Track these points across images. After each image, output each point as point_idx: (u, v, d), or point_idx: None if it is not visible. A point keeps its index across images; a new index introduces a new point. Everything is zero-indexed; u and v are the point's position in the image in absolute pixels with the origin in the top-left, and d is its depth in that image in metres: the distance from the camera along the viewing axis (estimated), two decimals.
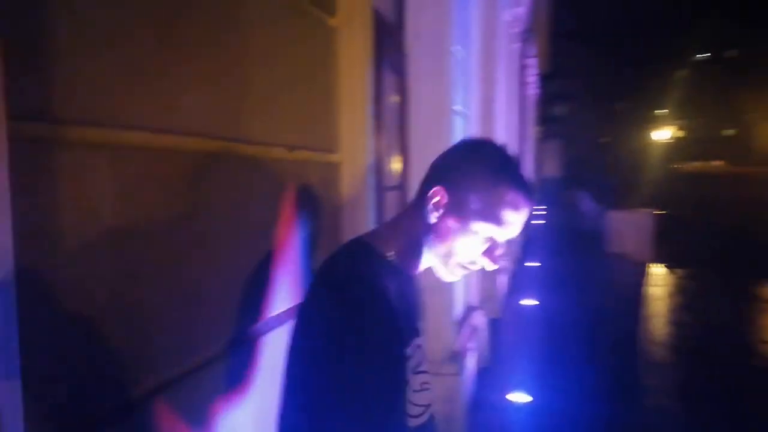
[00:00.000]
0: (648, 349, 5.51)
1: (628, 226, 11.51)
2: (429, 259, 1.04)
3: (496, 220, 0.98)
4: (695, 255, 11.81)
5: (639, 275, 9.35)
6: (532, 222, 16.54)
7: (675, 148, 38.10)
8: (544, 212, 20.72)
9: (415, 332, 1.03)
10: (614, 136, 48.80)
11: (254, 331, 1.24)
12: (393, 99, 3.07)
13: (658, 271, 9.85)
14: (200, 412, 1.07)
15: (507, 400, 4.10)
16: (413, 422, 0.96)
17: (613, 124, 48.71)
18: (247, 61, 1.21)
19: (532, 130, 22.08)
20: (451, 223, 0.99)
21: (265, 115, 1.29)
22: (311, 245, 1.47)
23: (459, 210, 0.99)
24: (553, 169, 35.62)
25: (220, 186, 1.12)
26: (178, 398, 1.00)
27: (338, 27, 1.67)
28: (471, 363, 4.04)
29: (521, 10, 9.88)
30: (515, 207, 0.99)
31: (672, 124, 40.60)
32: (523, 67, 13.10)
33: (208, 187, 1.08)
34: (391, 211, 2.86)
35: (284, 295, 1.36)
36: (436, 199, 1.00)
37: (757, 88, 33.71)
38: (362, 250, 1.00)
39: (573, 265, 10.35)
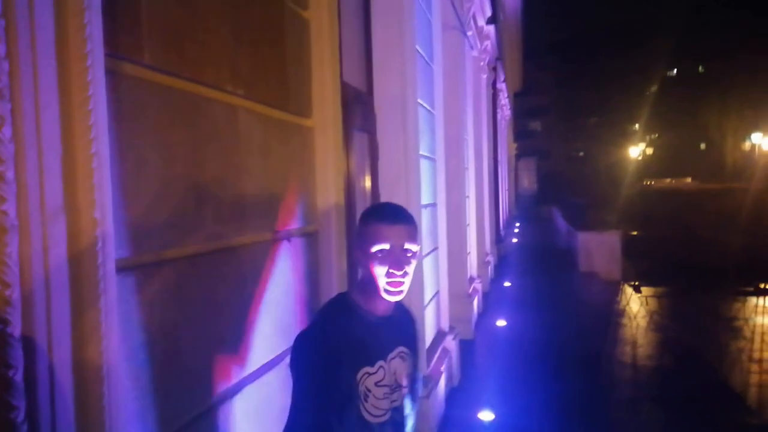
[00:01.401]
0: (614, 367, 5.97)
1: (598, 246, 12.05)
2: (374, 292, 1.49)
3: (371, 241, 1.44)
4: (662, 274, 12.40)
5: (609, 294, 9.87)
6: (509, 241, 17.12)
7: (646, 164, 39.12)
8: (518, 230, 21.30)
9: (380, 355, 1.45)
10: (586, 151, 50.03)
11: None
12: (366, 155, 3.52)
13: (627, 290, 10.39)
14: None
15: (477, 418, 4.51)
16: (376, 420, 1.41)
17: (585, 139, 49.96)
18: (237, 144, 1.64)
19: (508, 150, 22.79)
20: (361, 253, 1.48)
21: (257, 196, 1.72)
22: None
23: (359, 243, 1.49)
24: (528, 184, 36.44)
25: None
26: None
27: (314, 127, 2.12)
28: (441, 384, 4.46)
29: (488, 43, 10.45)
30: (377, 227, 1.45)
31: (643, 141, 41.73)
32: (494, 94, 13.73)
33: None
34: None
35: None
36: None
37: (722, 105, 34.92)
38: (335, 301, 1.53)
39: (544, 284, 10.84)
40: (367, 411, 1.39)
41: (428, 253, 4.72)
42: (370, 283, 1.45)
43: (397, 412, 1.48)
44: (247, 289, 1.66)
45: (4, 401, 0.84)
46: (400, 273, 1.43)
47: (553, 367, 5.87)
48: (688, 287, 11.10)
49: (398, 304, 1.54)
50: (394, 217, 1.48)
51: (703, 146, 40.43)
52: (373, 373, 1.42)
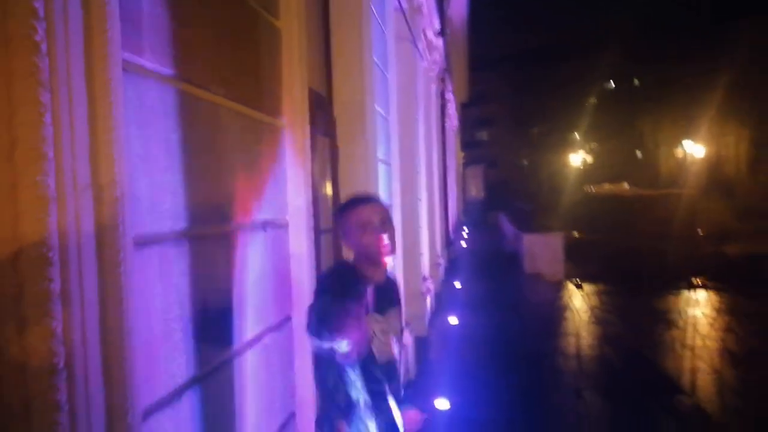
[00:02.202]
0: (558, 359, 6.32)
1: (542, 248, 12.58)
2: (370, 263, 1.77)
3: (356, 223, 1.74)
4: (603, 273, 13.06)
5: (553, 293, 10.35)
6: (458, 245, 17.57)
7: (586, 171, 40.69)
8: (467, 235, 21.84)
9: (382, 309, 1.75)
10: (531, 160, 51.65)
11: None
12: (327, 159, 3.69)
13: (569, 289, 10.90)
14: None
15: (432, 406, 4.73)
16: (380, 359, 1.68)
17: (529, 148, 51.59)
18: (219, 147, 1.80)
19: (456, 158, 23.36)
20: (349, 241, 1.78)
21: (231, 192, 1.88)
22: None
23: (344, 233, 1.79)
24: (476, 192, 37.28)
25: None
26: None
27: (284, 127, 2.29)
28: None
29: (437, 55, 10.82)
30: (355, 210, 1.76)
31: (583, 149, 43.42)
32: (443, 104, 14.14)
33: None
34: (328, 251, 3.47)
35: None
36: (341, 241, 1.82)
37: (656, 116, 36.78)
38: (344, 264, 1.93)
39: (493, 286, 11.25)
40: (374, 351, 1.67)
41: None
42: (365, 257, 1.75)
43: (394, 356, 1.77)
44: (231, 268, 1.81)
45: (49, 349, 0.98)
46: (386, 237, 1.74)
47: (503, 360, 6.19)
48: (626, 284, 11.76)
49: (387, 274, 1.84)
50: (368, 199, 1.83)
51: (639, 154, 42.37)
52: (380, 322, 1.72)
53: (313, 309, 1.54)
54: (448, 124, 16.30)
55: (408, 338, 5.40)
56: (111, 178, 1.12)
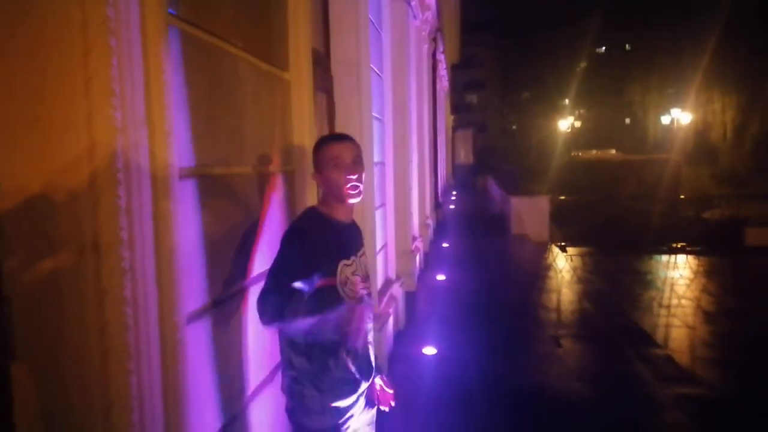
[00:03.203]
0: (540, 311, 6.65)
1: (529, 210, 12.89)
2: (336, 201, 1.85)
3: (326, 157, 1.82)
4: (587, 236, 13.45)
5: (537, 253, 10.69)
6: (447, 207, 17.86)
7: (574, 136, 40.91)
8: (455, 198, 22.13)
9: (347, 254, 1.84)
10: (520, 125, 51.79)
11: None
12: (324, 113, 3.86)
13: (554, 250, 11.24)
14: None
15: (421, 353, 5.03)
16: (351, 300, 1.78)
17: (519, 113, 51.67)
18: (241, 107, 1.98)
19: (446, 121, 23.43)
20: (320, 176, 1.85)
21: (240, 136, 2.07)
22: None
23: (317, 167, 1.86)
24: (465, 156, 37.39)
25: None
26: None
27: (291, 81, 2.46)
28: (390, 325, 4.93)
29: (429, 14, 10.83)
30: (328, 145, 1.85)
31: (572, 115, 43.56)
32: (434, 65, 14.17)
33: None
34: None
35: None
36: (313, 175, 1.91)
37: (645, 83, 36.87)
38: (308, 212, 1.92)
39: (480, 246, 11.56)
40: (345, 294, 1.79)
41: (378, 207, 5.13)
42: (332, 194, 1.84)
43: (366, 296, 1.86)
44: (247, 206, 2.02)
45: (118, 254, 1.19)
46: (355, 177, 1.82)
47: (488, 312, 6.52)
48: (609, 247, 12.14)
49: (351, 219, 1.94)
50: (340, 136, 1.90)
51: (628, 121, 42.62)
52: (349, 265, 1.84)
53: (272, 273, 1.67)
54: (439, 85, 16.34)
55: (398, 291, 5.68)
56: (162, 115, 1.31)
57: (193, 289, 1.56)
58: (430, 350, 5.06)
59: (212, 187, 1.72)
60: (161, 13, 1.30)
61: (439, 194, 16.40)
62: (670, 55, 33.01)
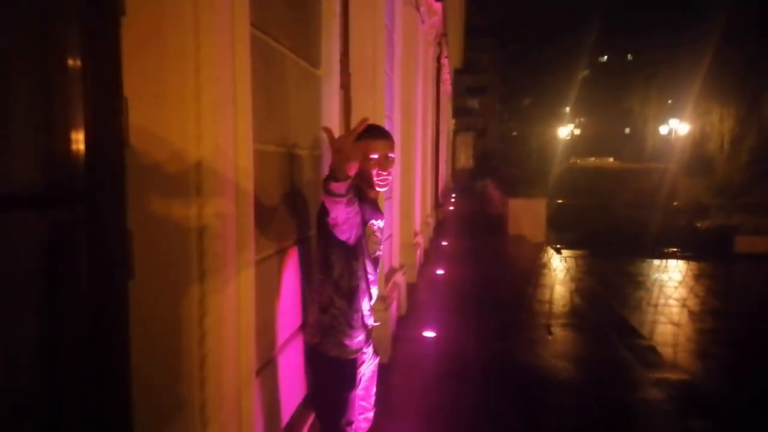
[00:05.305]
0: (533, 305, 7.02)
1: (526, 212, 13.27)
2: (366, 186, 2.18)
3: (369, 146, 2.12)
4: (582, 240, 13.86)
5: (533, 253, 11.07)
6: (447, 208, 18.24)
7: (573, 144, 41.34)
8: (454, 200, 22.51)
9: (375, 217, 2.21)
10: (520, 131, 52.24)
11: None
12: (342, 108, 4.23)
13: (549, 251, 11.63)
14: None
15: (422, 335, 5.40)
16: (372, 254, 2.20)
17: (519, 119, 52.14)
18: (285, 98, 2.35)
19: (447, 123, 23.81)
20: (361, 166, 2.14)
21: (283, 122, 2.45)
22: None
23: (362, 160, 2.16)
24: (465, 160, 37.84)
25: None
26: None
27: (322, 76, 2.84)
28: (393, 308, 5.30)
29: (436, 19, 11.22)
30: (374, 140, 2.15)
31: (572, 122, 44.00)
32: (438, 68, 14.56)
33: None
34: None
35: None
36: None
37: (645, 93, 37.32)
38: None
39: (477, 244, 11.94)
40: (370, 246, 2.19)
41: (386, 199, 5.50)
42: (362, 179, 2.16)
43: (379, 255, 2.30)
44: (288, 181, 2.40)
45: (220, 223, 1.56)
46: (386, 173, 2.18)
47: (484, 303, 6.90)
48: (603, 251, 12.55)
49: None
50: (384, 133, 2.25)
51: (627, 130, 43.09)
52: (376, 224, 2.23)
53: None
54: (442, 89, 16.72)
55: (401, 278, 6.04)
56: (245, 106, 1.68)
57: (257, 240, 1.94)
58: (429, 333, 5.43)
59: (267, 162, 2.09)
60: (245, 19, 1.67)
61: (440, 195, 16.78)
62: (669, 66, 33.50)
